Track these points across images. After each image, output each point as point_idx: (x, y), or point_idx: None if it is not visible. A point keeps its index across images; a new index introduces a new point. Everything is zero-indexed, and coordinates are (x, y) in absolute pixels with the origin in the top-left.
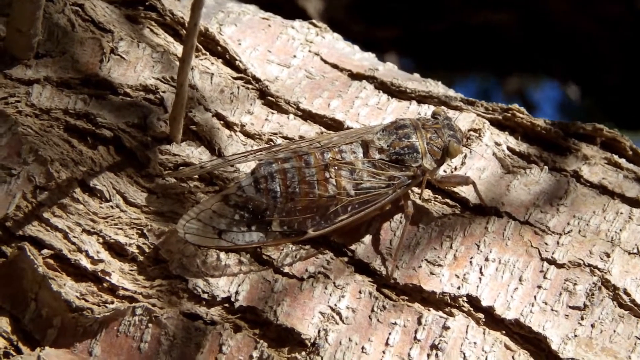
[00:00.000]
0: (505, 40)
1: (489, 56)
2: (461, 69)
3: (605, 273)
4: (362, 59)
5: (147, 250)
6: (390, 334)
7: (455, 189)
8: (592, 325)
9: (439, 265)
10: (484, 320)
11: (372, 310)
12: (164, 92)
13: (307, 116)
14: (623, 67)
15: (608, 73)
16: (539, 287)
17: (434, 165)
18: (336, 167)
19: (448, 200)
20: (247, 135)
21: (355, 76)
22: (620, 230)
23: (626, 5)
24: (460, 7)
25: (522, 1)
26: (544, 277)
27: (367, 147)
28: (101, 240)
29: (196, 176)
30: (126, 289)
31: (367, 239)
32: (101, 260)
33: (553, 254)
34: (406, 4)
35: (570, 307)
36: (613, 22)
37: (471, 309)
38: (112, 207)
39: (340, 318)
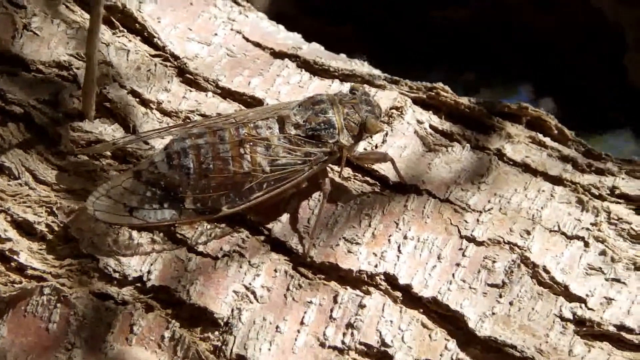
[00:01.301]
0: (464, 38)
1: (446, 54)
2: (418, 68)
3: (525, 250)
4: (286, 38)
5: (56, 228)
6: (305, 312)
7: (375, 167)
8: (511, 303)
9: (357, 243)
10: (401, 298)
11: (288, 289)
12: (77, 68)
13: (226, 94)
14: (585, 72)
15: (569, 75)
16: (458, 265)
17: (351, 141)
18: (251, 143)
19: (368, 179)
20: (164, 112)
21: (277, 54)
22: (542, 208)
23: (594, 14)
24: (418, 4)
25: None
26: (463, 255)
27: (283, 123)
28: (9, 218)
29: (109, 153)
30: (35, 269)
31: (285, 217)
32: (9, 239)
33: (472, 231)
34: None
35: (488, 284)
36: (575, 23)
37: (388, 287)
38: (20, 184)
39: (255, 297)
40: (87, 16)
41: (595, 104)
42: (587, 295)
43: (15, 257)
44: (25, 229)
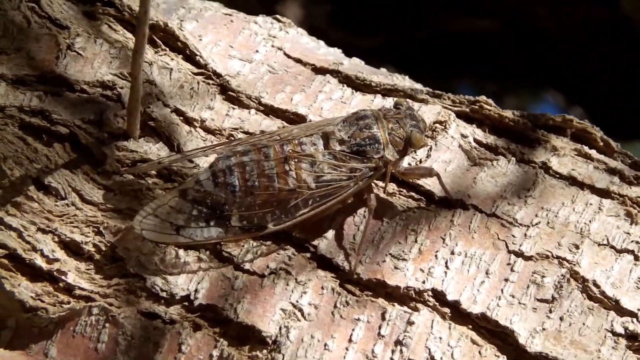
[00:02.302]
0: (489, 47)
1: (472, 63)
2: (446, 77)
3: (574, 265)
4: (327, 54)
5: (103, 248)
6: (353, 330)
7: (421, 182)
8: (561, 318)
9: (404, 259)
10: (449, 314)
11: (335, 306)
12: (121, 88)
13: (269, 111)
14: (611, 75)
15: (595, 81)
16: (506, 280)
17: (396, 156)
18: (296, 160)
19: (413, 194)
20: (207, 130)
21: (319, 70)
22: (590, 221)
23: (612, 11)
24: (441, 15)
25: (505, 8)
26: (511, 270)
27: (328, 139)
28: (56, 238)
29: (154, 172)
30: (83, 289)
31: (330, 233)
32: (57, 260)
33: (520, 246)
34: (387, 11)
35: (538, 300)
36: (599, 29)
37: (436, 303)
38: (67, 205)
39: (302, 314)
40: (129, 35)
41: (621, 112)
42: (638, 310)
43: (63, 277)
44: (72, 249)
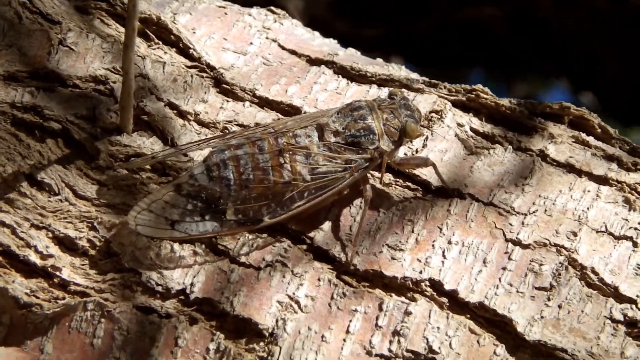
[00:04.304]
0: (494, 37)
1: (477, 53)
2: (450, 67)
3: (572, 252)
4: (322, 45)
5: (98, 243)
6: (350, 321)
7: (417, 172)
8: (559, 306)
9: (401, 249)
10: (447, 304)
11: (332, 298)
12: (114, 82)
13: (264, 103)
14: (616, 63)
15: (600, 69)
16: (504, 268)
17: (392, 147)
18: (291, 152)
19: (409, 184)
20: (202, 124)
21: (313, 61)
22: (588, 208)
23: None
24: (445, 3)
25: None
26: (509, 259)
27: (322, 131)
28: (50, 234)
29: (148, 167)
30: (77, 284)
31: (326, 225)
32: (51, 255)
33: (518, 234)
34: (390, 0)
35: (536, 288)
36: (602, 17)
37: (434, 293)
38: (61, 200)
39: (299, 307)
40: (121, 30)
41: (632, 97)
42: (637, 296)
43: (57, 273)
44: (67, 244)
